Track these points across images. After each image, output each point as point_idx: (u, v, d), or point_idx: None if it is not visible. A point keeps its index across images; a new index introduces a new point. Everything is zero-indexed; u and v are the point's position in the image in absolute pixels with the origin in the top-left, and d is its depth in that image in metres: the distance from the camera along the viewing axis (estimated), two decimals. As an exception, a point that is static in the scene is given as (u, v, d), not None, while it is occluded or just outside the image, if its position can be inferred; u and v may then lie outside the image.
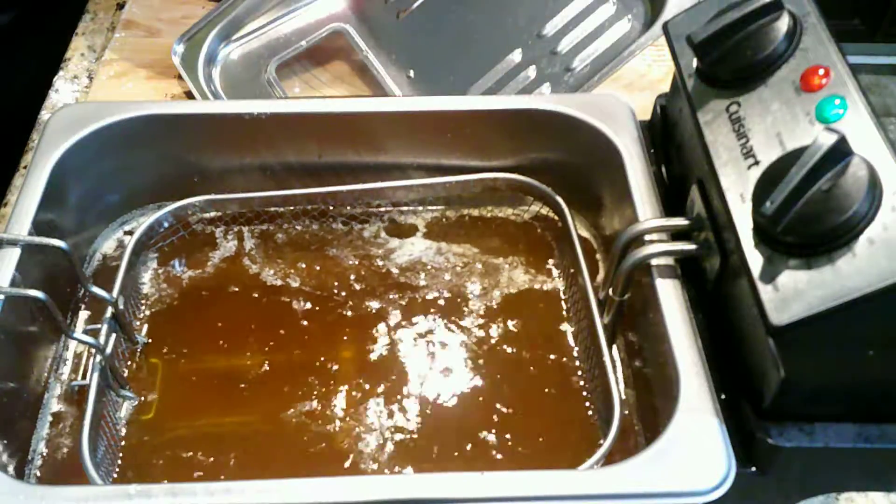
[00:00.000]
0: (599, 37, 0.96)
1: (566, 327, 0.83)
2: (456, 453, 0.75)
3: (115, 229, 0.91)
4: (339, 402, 0.77)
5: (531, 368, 0.80)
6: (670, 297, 0.69)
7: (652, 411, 0.73)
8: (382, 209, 0.92)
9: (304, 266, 0.88)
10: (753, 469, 0.62)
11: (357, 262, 0.88)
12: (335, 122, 0.87)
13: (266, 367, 0.80)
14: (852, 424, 0.61)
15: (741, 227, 0.60)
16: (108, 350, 0.75)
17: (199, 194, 0.88)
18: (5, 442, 0.70)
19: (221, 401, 0.78)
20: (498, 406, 0.78)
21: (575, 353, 0.81)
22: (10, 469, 0.70)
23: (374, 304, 0.85)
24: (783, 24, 0.65)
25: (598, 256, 0.89)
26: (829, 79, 0.61)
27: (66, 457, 0.73)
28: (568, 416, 0.77)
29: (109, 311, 0.77)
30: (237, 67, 1.04)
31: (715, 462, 0.60)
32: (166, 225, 0.87)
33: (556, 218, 0.89)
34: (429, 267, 0.88)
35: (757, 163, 0.61)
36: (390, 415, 0.77)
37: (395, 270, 0.88)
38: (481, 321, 0.84)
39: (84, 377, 0.77)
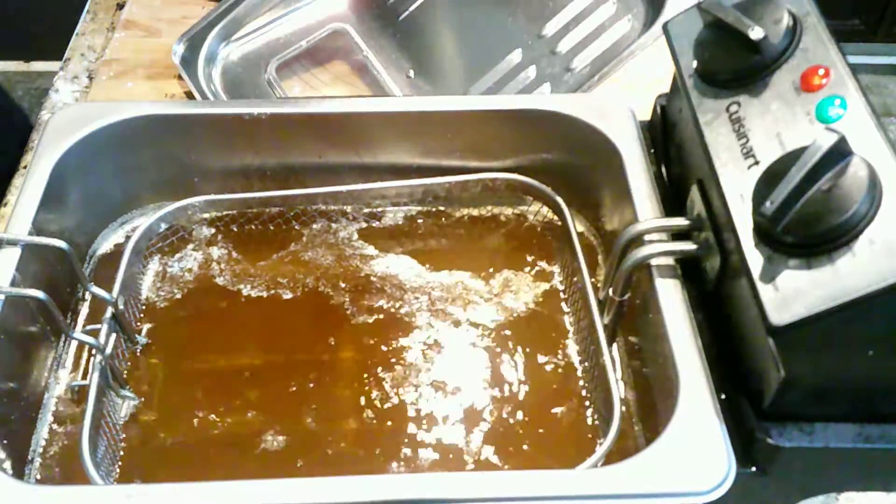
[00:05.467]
0: (599, 37, 0.96)
1: (566, 327, 0.83)
2: (455, 453, 0.74)
3: (115, 229, 0.91)
4: (339, 402, 0.77)
5: (531, 368, 0.80)
6: (670, 297, 0.69)
7: (652, 411, 0.73)
8: (382, 209, 0.92)
9: (303, 266, 0.88)
10: (753, 469, 0.62)
11: (357, 262, 0.88)
12: (335, 122, 0.87)
13: (265, 368, 0.80)
14: (852, 424, 0.61)
15: (741, 227, 0.60)
16: (108, 350, 0.75)
17: (199, 194, 0.88)
18: (5, 442, 0.70)
19: (221, 401, 0.78)
20: (497, 406, 0.77)
21: (575, 353, 0.81)
22: (10, 469, 0.70)
23: (374, 304, 0.85)
24: (783, 23, 0.65)
25: (598, 256, 0.89)
26: (829, 79, 0.61)
27: (66, 457, 0.73)
28: (568, 416, 0.77)
29: (109, 311, 0.77)
30: (237, 67, 1.04)
31: (715, 462, 0.60)
32: (166, 225, 0.87)
33: (556, 218, 0.89)
34: (428, 267, 0.88)
35: (757, 163, 0.61)
36: (390, 415, 0.77)
37: (394, 270, 0.88)
38: (481, 321, 0.84)
39: (84, 377, 0.77)
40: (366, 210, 0.92)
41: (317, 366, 0.80)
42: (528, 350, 0.82)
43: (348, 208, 0.91)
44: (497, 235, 0.91)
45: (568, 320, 0.84)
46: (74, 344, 0.80)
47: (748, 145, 0.63)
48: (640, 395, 0.76)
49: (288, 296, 0.85)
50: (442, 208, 0.92)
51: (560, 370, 0.80)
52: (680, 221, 0.72)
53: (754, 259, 0.58)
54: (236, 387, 0.79)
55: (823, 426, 0.61)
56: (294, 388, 0.78)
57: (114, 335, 0.76)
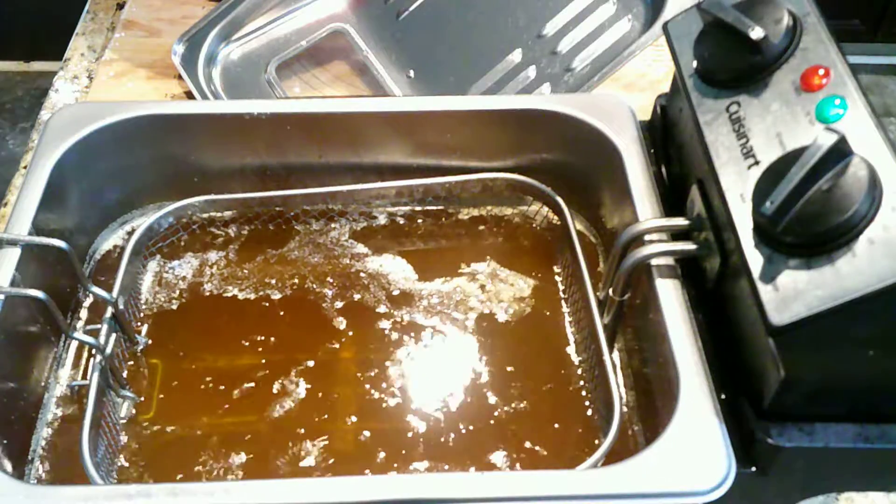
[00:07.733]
0: (599, 37, 0.96)
1: (566, 327, 0.83)
2: (456, 453, 0.74)
3: (115, 229, 0.91)
4: (339, 402, 0.77)
5: (530, 368, 0.80)
6: (670, 297, 0.69)
7: (652, 411, 0.73)
8: (382, 209, 0.92)
9: (303, 266, 0.88)
10: (753, 469, 0.62)
11: (351, 261, 0.88)
12: (335, 122, 0.87)
13: (265, 368, 0.80)
14: (852, 424, 0.61)
15: (741, 227, 0.60)
16: (108, 350, 0.75)
17: (199, 194, 0.88)
18: (5, 442, 0.70)
19: (221, 401, 0.78)
20: (497, 406, 0.77)
21: (575, 353, 0.81)
22: (10, 469, 0.70)
23: (373, 304, 0.85)
24: (783, 23, 0.65)
25: (598, 256, 0.89)
26: (829, 79, 0.61)
27: (66, 457, 0.73)
28: (568, 416, 0.77)
29: (109, 311, 0.77)
30: (237, 67, 1.04)
31: (715, 462, 0.60)
32: (166, 225, 0.87)
33: (556, 218, 0.89)
34: (428, 267, 0.88)
35: (757, 163, 0.61)
36: (390, 415, 0.77)
37: (394, 269, 0.88)
38: (480, 321, 0.84)
39: (84, 377, 0.77)
40: (365, 210, 0.92)
41: (317, 365, 0.80)
42: (527, 350, 0.82)
43: (348, 208, 0.91)
44: (497, 235, 0.91)
45: (568, 320, 0.84)
46: (74, 344, 0.80)
47: (748, 145, 0.63)
48: (640, 395, 0.76)
49: (288, 295, 0.85)
50: (442, 208, 0.92)
51: (560, 370, 0.80)
52: (680, 221, 0.72)
53: (754, 259, 0.58)
54: (236, 386, 0.78)
55: (823, 426, 0.61)
56: (295, 388, 0.78)
57: (114, 335, 0.76)
